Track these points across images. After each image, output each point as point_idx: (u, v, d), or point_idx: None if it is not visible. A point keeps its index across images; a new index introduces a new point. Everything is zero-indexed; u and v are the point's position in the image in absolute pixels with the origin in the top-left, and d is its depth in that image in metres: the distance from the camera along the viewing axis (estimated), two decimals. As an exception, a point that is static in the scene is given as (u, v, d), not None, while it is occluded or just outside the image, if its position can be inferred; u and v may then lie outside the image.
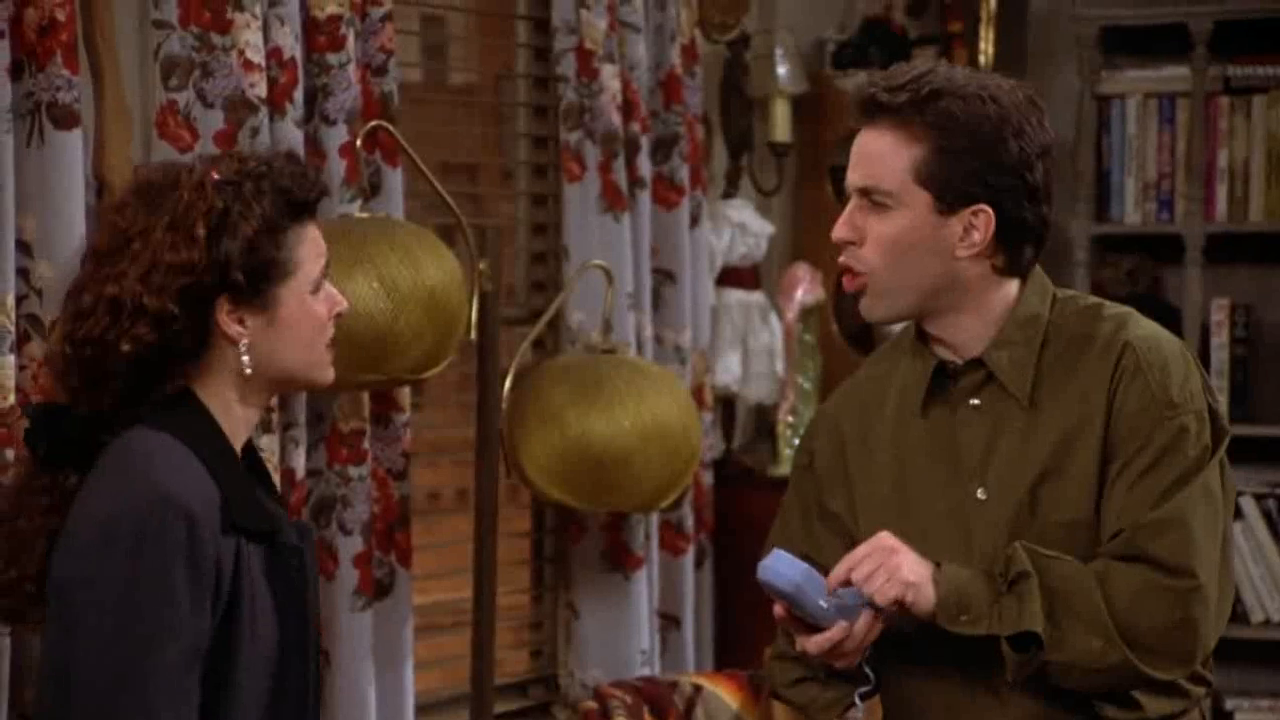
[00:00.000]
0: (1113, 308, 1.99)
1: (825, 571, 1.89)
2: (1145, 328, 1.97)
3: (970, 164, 1.88)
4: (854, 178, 1.92)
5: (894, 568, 1.84)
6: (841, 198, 2.04)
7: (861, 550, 1.87)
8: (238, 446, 1.89)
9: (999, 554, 1.90)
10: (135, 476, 1.79)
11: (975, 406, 1.93)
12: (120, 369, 1.82)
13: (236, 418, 1.88)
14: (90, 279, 1.84)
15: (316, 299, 1.89)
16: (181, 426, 1.83)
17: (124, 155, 2.35)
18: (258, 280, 1.85)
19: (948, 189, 1.88)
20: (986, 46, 3.83)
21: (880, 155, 1.88)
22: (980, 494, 1.92)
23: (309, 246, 1.89)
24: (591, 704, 2.98)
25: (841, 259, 1.94)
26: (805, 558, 1.92)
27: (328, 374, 1.93)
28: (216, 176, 1.86)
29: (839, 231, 1.93)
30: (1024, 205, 1.92)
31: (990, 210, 1.90)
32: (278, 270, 1.86)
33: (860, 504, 1.99)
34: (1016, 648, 1.86)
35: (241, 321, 1.86)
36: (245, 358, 1.86)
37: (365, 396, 2.64)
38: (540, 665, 3.20)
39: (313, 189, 1.89)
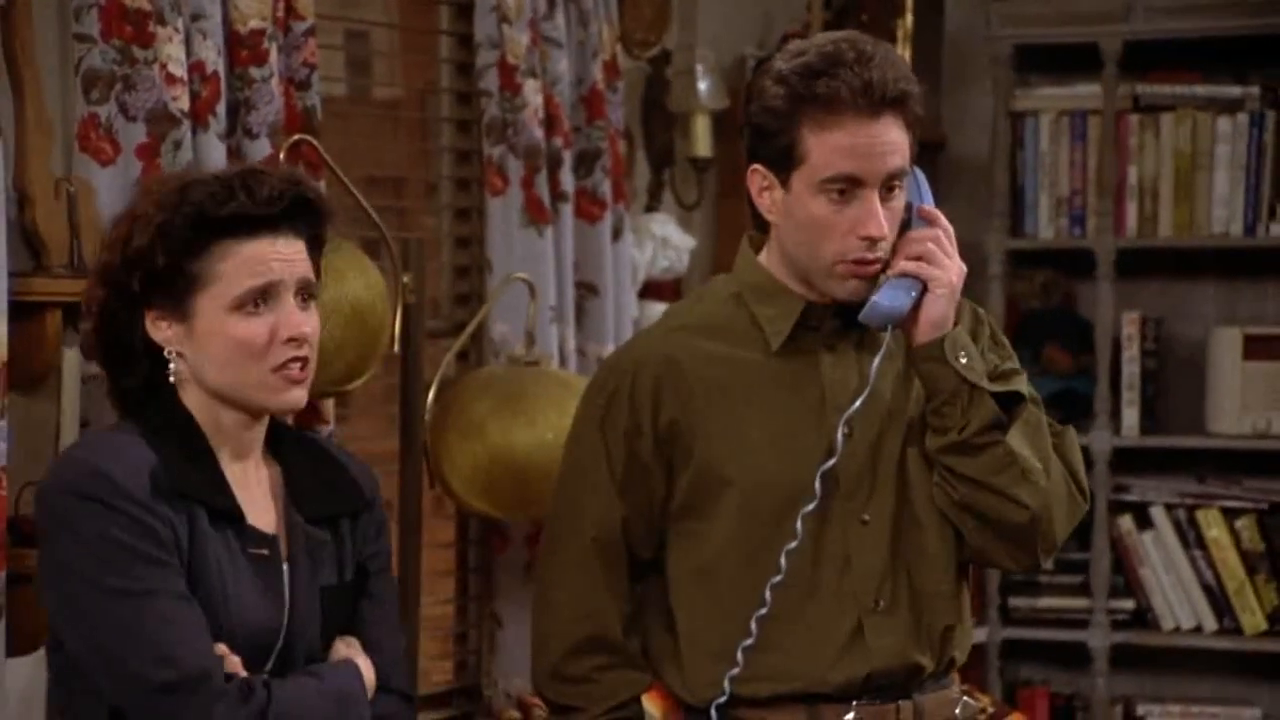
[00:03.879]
0: None
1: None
2: None
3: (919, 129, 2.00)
4: (887, 164, 1.94)
5: (956, 265, 1.97)
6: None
7: (931, 233, 1.97)
8: (233, 446, 1.90)
9: (864, 485, 1.99)
10: (62, 459, 1.87)
11: (837, 347, 2.02)
12: (100, 361, 1.91)
13: (213, 421, 1.90)
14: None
15: (244, 318, 1.87)
16: (146, 421, 1.88)
17: (44, 168, 2.35)
18: (165, 288, 1.86)
19: (912, 158, 2.00)
20: (903, 64, 3.89)
21: (900, 142, 1.95)
22: (848, 429, 1.99)
23: (235, 263, 1.87)
24: (515, 714, 3.00)
25: (872, 254, 1.96)
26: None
27: (274, 399, 1.89)
28: (167, 184, 1.90)
29: (883, 228, 1.94)
30: None
31: None
32: (187, 282, 1.86)
33: (715, 440, 2.01)
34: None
35: (170, 330, 1.89)
36: (171, 364, 1.88)
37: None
38: (464, 676, 3.21)
39: (234, 207, 1.86)
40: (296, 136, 2.58)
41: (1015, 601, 3.91)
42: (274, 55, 2.56)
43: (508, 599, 3.11)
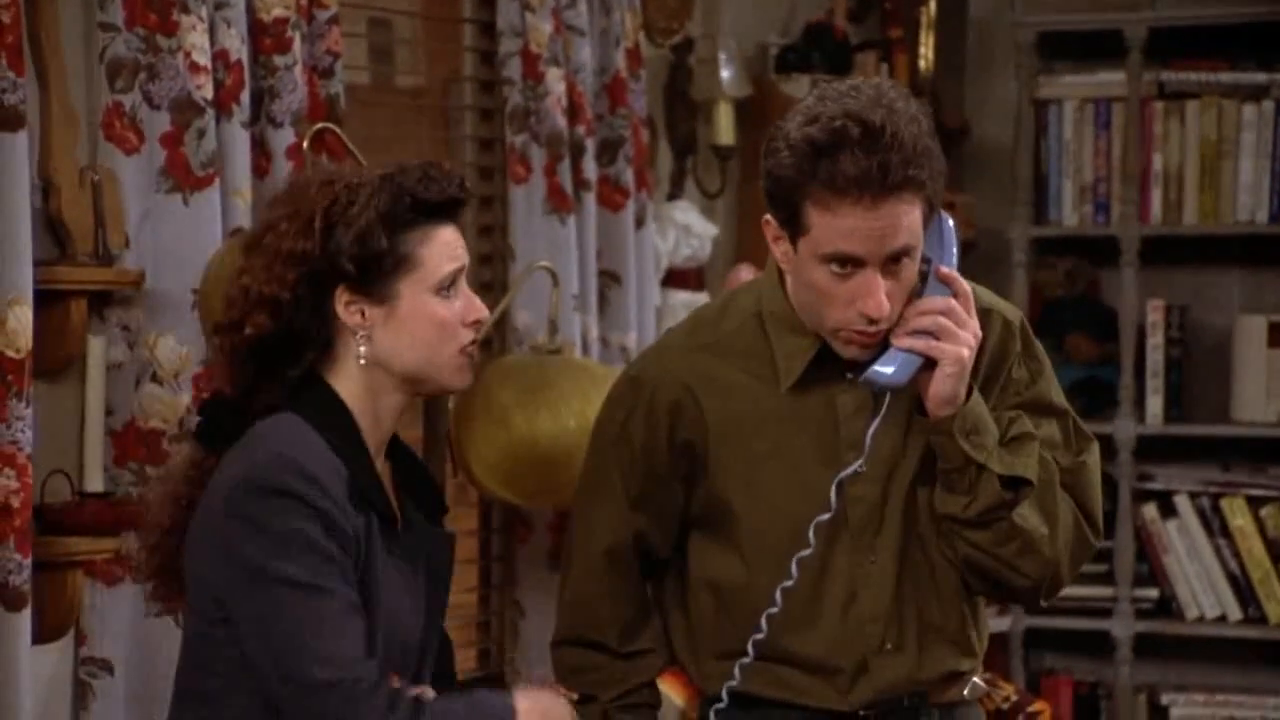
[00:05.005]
0: None
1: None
2: (991, 294, 2.07)
3: (941, 187, 1.93)
4: (890, 245, 1.86)
5: (968, 337, 1.91)
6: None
7: (944, 304, 1.91)
8: (375, 440, 1.92)
9: (871, 525, 1.97)
10: (256, 447, 1.86)
11: (853, 381, 1.97)
12: (247, 354, 1.89)
13: (372, 411, 1.91)
14: (236, 272, 1.93)
15: (443, 300, 1.91)
16: (311, 410, 1.89)
17: (69, 157, 2.36)
18: (371, 271, 1.88)
19: (929, 219, 1.94)
20: (927, 52, 3.88)
21: (908, 219, 1.87)
22: (860, 466, 1.97)
23: (437, 247, 1.91)
24: (538, 702, 3.01)
25: (871, 329, 1.90)
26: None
27: (459, 379, 1.94)
28: (349, 176, 1.91)
29: (883, 309, 1.87)
30: None
31: None
32: (394, 264, 1.89)
33: (725, 471, 2.00)
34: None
35: (362, 313, 1.90)
36: (361, 348, 1.89)
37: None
38: (487, 663, 3.22)
39: (439, 191, 1.91)
40: (320, 125, 2.59)
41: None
42: (297, 43, 2.57)
43: (530, 587, 3.12)
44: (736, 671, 1.98)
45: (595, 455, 2.09)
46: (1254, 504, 3.81)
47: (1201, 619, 3.84)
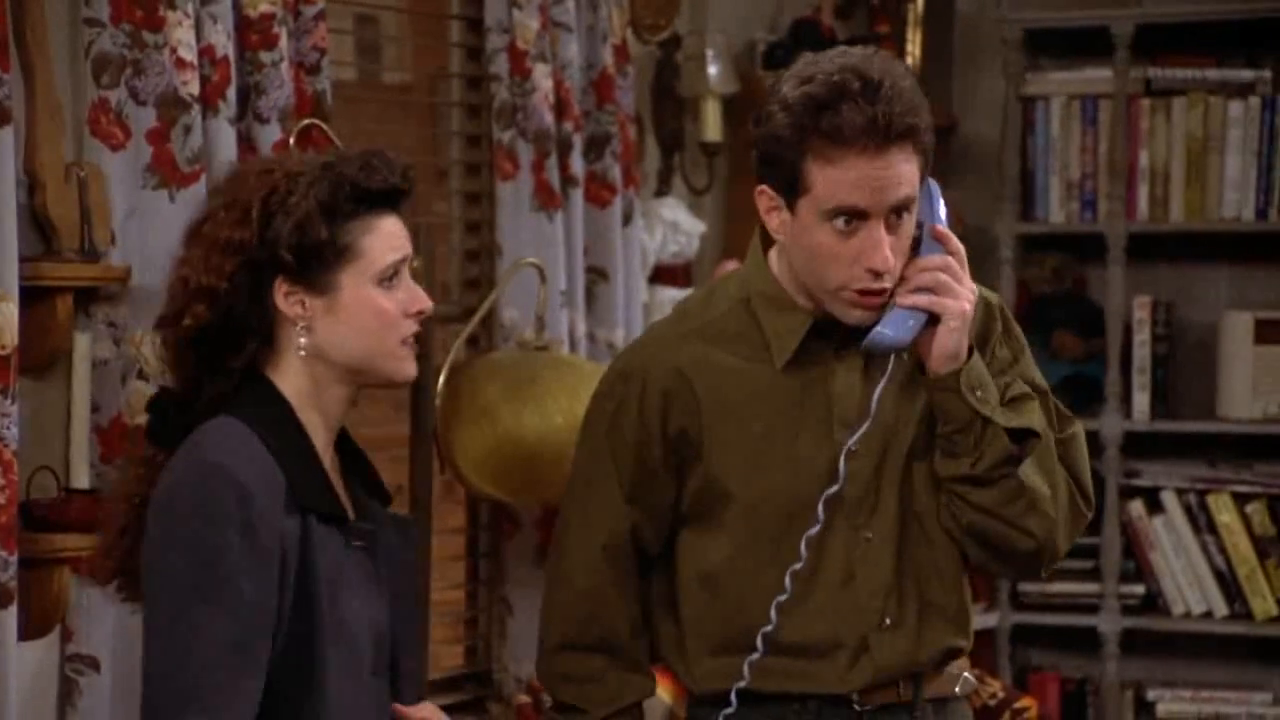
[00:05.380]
0: None
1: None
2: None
3: (932, 147, 1.96)
4: (893, 196, 1.88)
5: (967, 293, 1.93)
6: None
7: (943, 261, 1.93)
8: (320, 435, 1.90)
9: (866, 502, 1.98)
10: (190, 454, 1.84)
11: (842, 357, 1.98)
12: (188, 346, 1.87)
13: (316, 405, 1.90)
14: (174, 264, 1.91)
15: (385, 291, 1.89)
16: (252, 412, 1.87)
17: (55, 153, 2.35)
18: (311, 262, 1.86)
19: (923, 178, 1.96)
20: (914, 48, 3.89)
21: (908, 170, 1.90)
22: (853, 445, 1.98)
23: (378, 238, 1.89)
24: (525, 698, 3.01)
25: (876, 285, 1.91)
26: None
27: (403, 370, 1.92)
28: (290, 165, 1.90)
29: (889, 261, 1.90)
30: None
31: None
32: (334, 254, 1.87)
33: (721, 453, 2.00)
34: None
35: (302, 304, 1.88)
36: (301, 339, 1.87)
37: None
38: (474, 661, 3.21)
39: (380, 180, 1.89)
40: (307, 121, 2.58)
41: (1025, 587, 3.90)
42: (284, 39, 2.56)
43: (518, 584, 3.11)
44: (746, 670, 1.97)
45: (587, 450, 2.07)
46: (1240, 500, 3.82)
47: (1188, 615, 3.85)
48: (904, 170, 1.90)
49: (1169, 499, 3.87)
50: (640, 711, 2.09)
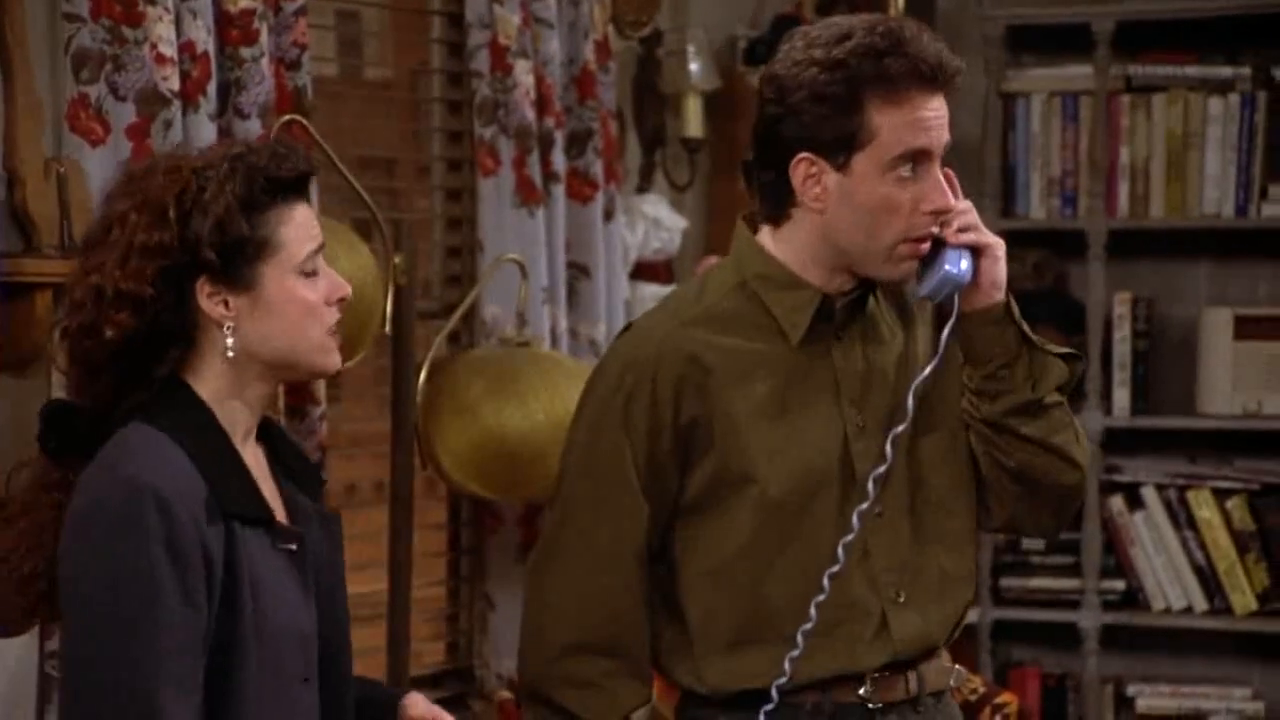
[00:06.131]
0: None
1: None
2: None
3: None
4: (945, 137, 1.96)
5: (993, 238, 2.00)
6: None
7: (967, 204, 1.99)
8: (240, 434, 1.86)
9: (877, 477, 1.99)
10: (108, 468, 1.78)
11: (844, 336, 2.02)
12: (108, 357, 1.81)
13: (235, 406, 1.85)
14: (79, 271, 1.84)
15: (306, 281, 1.85)
16: (170, 419, 1.81)
17: (35, 149, 2.34)
18: (233, 259, 1.82)
19: None
20: (895, 44, 3.89)
21: (948, 116, 1.98)
22: (860, 420, 2.00)
23: (294, 228, 1.85)
24: (507, 695, 3.01)
25: (933, 231, 1.98)
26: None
27: (329, 360, 1.88)
28: (194, 161, 1.85)
29: (950, 200, 1.97)
30: None
31: None
32: (254, 249, 1.82)
33: (737, 437, 1.99)
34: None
35: (226, 304, 1.83)
36: (229, 340, 1.82)
37: (280, 389, 2.64)
38: (456, 657, 3.21)
39: (291, 168, 1.85)
40: (287, 117, 2.57)
41: (1006, 582, 3.91)
42: (264, 35, 2.55)
43: (500, 580, 3.11)
44: (787, 665, 1.96)
45: (595, 443, 2.01)
46: (1220, 496, 3.84)
47: (1168, 610, 3.86)
48: (945, 111, 1.97)
49: (1149, 494, 3.88)
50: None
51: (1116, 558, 3.89)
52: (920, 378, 1.99)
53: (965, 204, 2.00)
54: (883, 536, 2.00)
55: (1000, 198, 3.92)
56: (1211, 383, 3.82)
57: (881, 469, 1.97)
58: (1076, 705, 3.92)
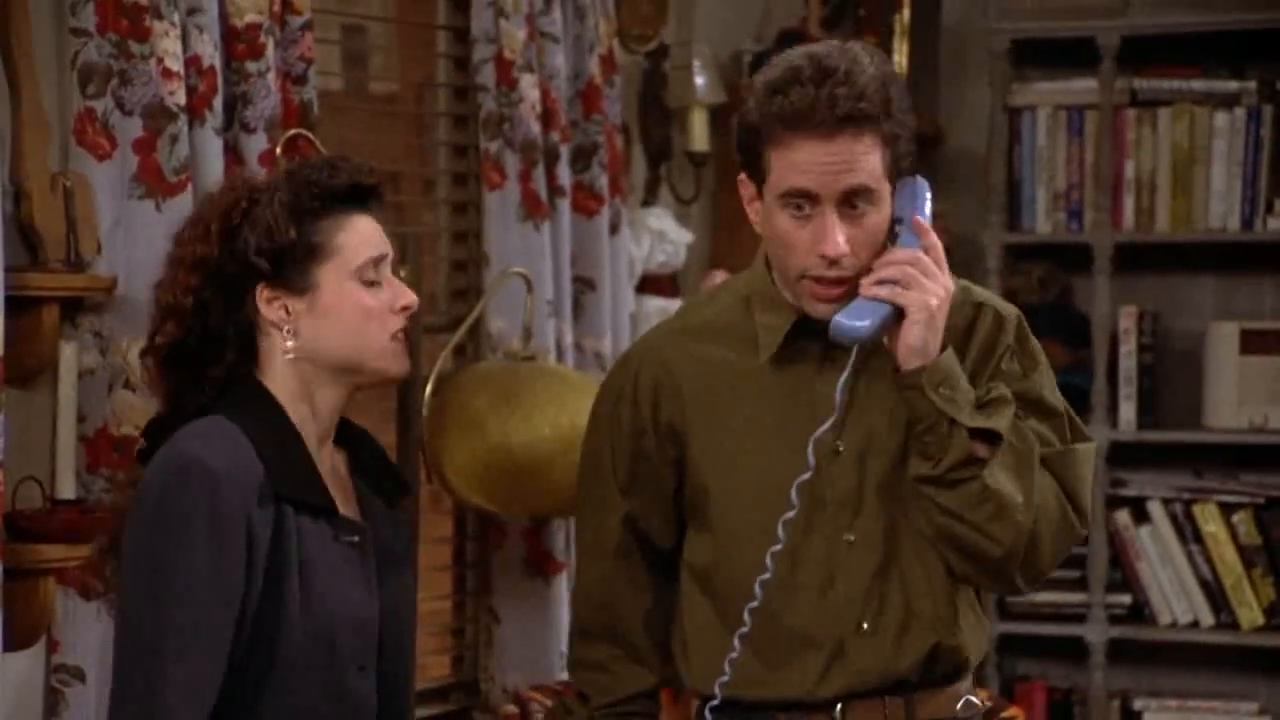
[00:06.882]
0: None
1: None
2: (987, 292, 2.09)
3: (909, 146, 1.97)
4: (842, 183, 1.90)
5: (937, 288, 1.91)
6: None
7: (911, 254, 1.92)
8: (315, 431, 1.91)
9: (849, 504, 1.97)
10: (169, 448, 1.86)
11: (831, 357, 1.98)
12: (165, 364, 1.89)
13: (308, 404, 1.91)
14: (154, 292, 1.95)
15: (368, 289, 1.90)
16: (238, 410, 1.88)
17: (41, 163, 2.35)
18: (285, 263, 1.88)
19: (899, 172, 1.97)
20: (900, 59, 3.89)
21: (862, 157, 1.91)
22: (839, 445, 1.98)
23: (354, 235, 1.91)
24: (512, 708, 3.00)
25: (831, 273, 1.92)
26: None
27: (394, 365, 1.93)
28: (254, 180, 1.93)
29: (838, 247, 1.90)
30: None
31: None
32: (305, 252, 1.88)
33: (701, 448, 2.02)
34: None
35: (285, 308, 1.89)
36: (289, 342, 1.89)
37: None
38: (461, 670, 3.21)
39: (345, 178, 1.90)
40: (293, 131, 2.58)
41: (1013, 597, 3.91)
42: (271, 49, 2.56)
43: (505, 594, 3.11)
44: (727, 667, 1.98)
45: (589, 440, 2.12)
46: (1226, 510, 3.83)
47: (1174, 625, 3.85)
48: (857, 157, 1.90)
49: (1155, 509, 3.88)
50: (645, 702, 2.10)
51: (1123, 572, 3.89)
52: (821, 430, 1.94)
53: (907, 254, 1.92)
54: (850, 567, 1.99)
55: (1006, 211, 3.92)
56: (1217, 397, 3.82)
57: (805, 477, 1.94)
58: (1083, 719, 3.91)
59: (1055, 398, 2.03)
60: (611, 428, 2.07)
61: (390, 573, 1.95)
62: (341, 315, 1.89)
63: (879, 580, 1.99)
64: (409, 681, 2.00)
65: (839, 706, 1.99)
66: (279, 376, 1.91)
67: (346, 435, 1.99)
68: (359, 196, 1.93)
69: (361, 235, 1.92)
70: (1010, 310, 2.06)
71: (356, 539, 1.91)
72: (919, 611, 2.00)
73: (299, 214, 1.89)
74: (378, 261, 1.92)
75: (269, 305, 1.90)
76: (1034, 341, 2.06)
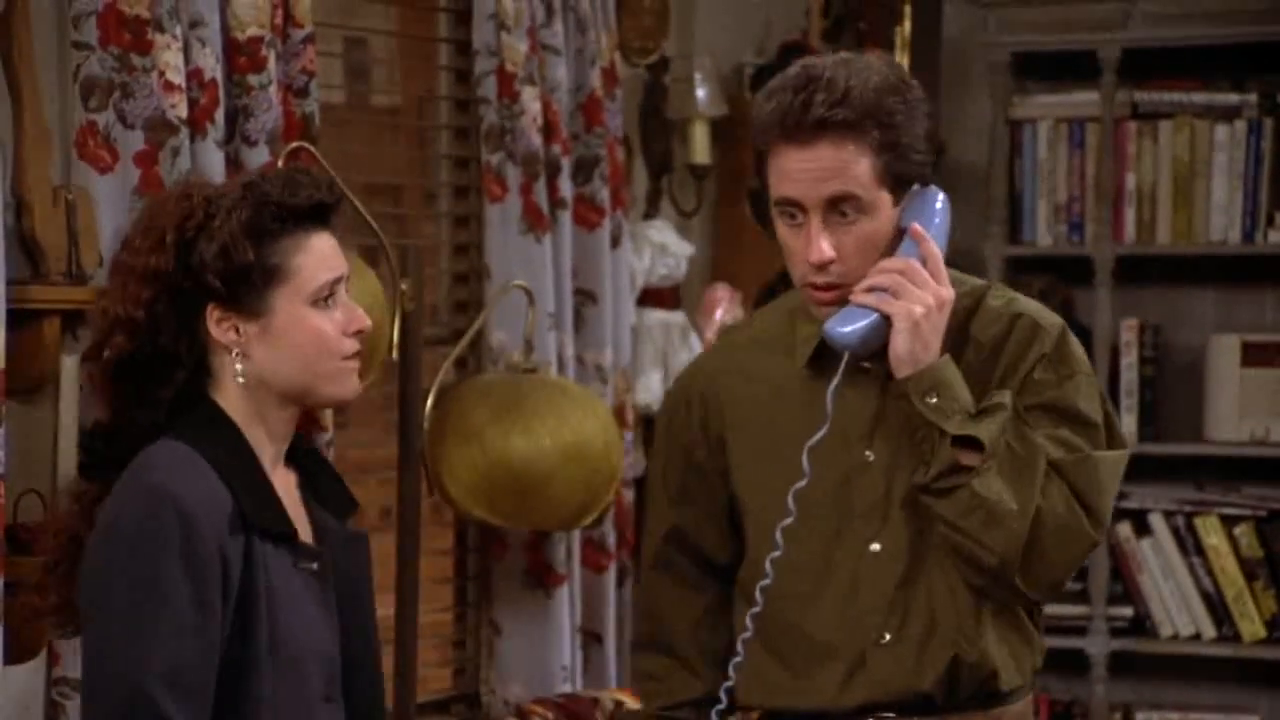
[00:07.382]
0: (1000, 287, 2.08)
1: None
2: (1032, 303, 2.07)
3: (914, 153, 1.96)
4: (824, 190, 1.90)
5: (926, 297, 1.91)
6: (765, 220, 2.07)
7: (902, 263, 1.92)
8: (269, 452, 1.87)
9: (876, 513, 1.98)
10: (134, 479, 1.81)
11: (866, 370, 1.98)
12: (108, 378, 1.84)
13: (261, 426, 1.87)
14: (97, 295, 1.90)
15: (321, 312, 1.86)
16: (196, 433, 1.83)
17: (43, 176, 2.35)
18: (240, 286, 1.83)
19: (900, 181, 1.96)
20: (901, 71, 3.90)
21: (846, 165, 1.91)
22: (869, 455, 1.98)
23: (310, 256, 1.85)
24: (513, 721, 3.00)
25: (820, 279, 1.93)
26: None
27: (341, 390, 1.89)
28: (208, 189, 1.87)
29: (823, 254, 1.91)
30: (931, 171, 2.01)
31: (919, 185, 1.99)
32: (263, 275, 1.83)
33: (739, 461, 2.04)
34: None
35: (236, 330, 1.84)
36: (239, 365, 1.84)
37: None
38: (463, 683, 3.21)
39: (305, 197, 1.85)
40: (295, 144, 2.58)
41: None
42: (272, 62, 2.56)
43: (506, 606, 3.11)
44: (731, 670, 1.98)
45: (653, 456, 2.17)
46: (1228, 522, 3.83)
47: (1176, 637, 3.85)
48: (838, 163, 1.90)
49: (1157, 521, 3.87)
50: (692, 711, 2.09)
51: (1124, 584, 3.89)
52: (815, 439, 1.95)
53: (898, 262, 1.92)
54: (874, 577, 1.98)
55: (1007, 224, 3.93)
56: (1219, 409, 3.82)
57: (800, 484, 1.95)
58: (1084, 732, 3.91)
59: (1091, 407, 2.00)
60: (666, 440, 2.11)
61: (348, 600, 1.90)
62: (294, 341, 1.84)
63: (903, 590, 1.98)
64: (378, 710, 1.94)
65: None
66: (232, 397, 1.86)
67: (294, 452, 1.94)
68: (319, 214, 1.88)
69: (319, 257, 1.86)
70: (1052, 320, 2.03)
71: (315, 566, 1.87)
72: (942, 623, 1.99)
73: (258, 234, 1.82)
74: (334, 285, 1.87)
75: (219, 326, 1.84)
76: (1075, 351, 2.02)
